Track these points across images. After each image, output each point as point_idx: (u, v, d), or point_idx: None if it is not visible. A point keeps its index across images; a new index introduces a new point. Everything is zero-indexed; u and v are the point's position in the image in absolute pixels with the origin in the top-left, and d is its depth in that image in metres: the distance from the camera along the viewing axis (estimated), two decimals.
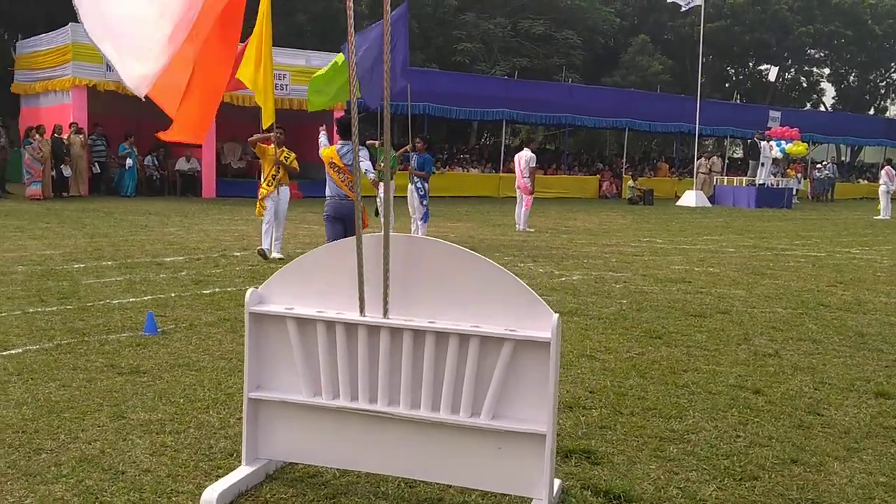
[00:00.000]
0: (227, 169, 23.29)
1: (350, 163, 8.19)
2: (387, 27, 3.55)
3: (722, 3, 41.14)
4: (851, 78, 49.64)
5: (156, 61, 3.15)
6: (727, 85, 48.97)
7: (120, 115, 20.54)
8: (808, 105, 49.69)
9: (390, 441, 3.53)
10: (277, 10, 26.45)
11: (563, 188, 28.94)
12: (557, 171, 30.68)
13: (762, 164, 28.45)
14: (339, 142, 8.61)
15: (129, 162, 20.49)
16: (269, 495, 3.53)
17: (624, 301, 8.34)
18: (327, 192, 8.62)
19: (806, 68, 49.26)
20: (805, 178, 35.03)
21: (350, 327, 3.52)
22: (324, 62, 16.08)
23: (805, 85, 50.35)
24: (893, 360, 6.27)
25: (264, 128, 8.98)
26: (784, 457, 4.15)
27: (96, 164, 20.73)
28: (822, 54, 47.49)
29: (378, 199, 13.04)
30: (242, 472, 3.60)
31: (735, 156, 41.51)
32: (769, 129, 31.00)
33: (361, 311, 3.49)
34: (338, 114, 15.80)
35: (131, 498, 3.43)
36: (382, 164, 12.79)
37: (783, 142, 28.92)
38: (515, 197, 16.41)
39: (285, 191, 10.50)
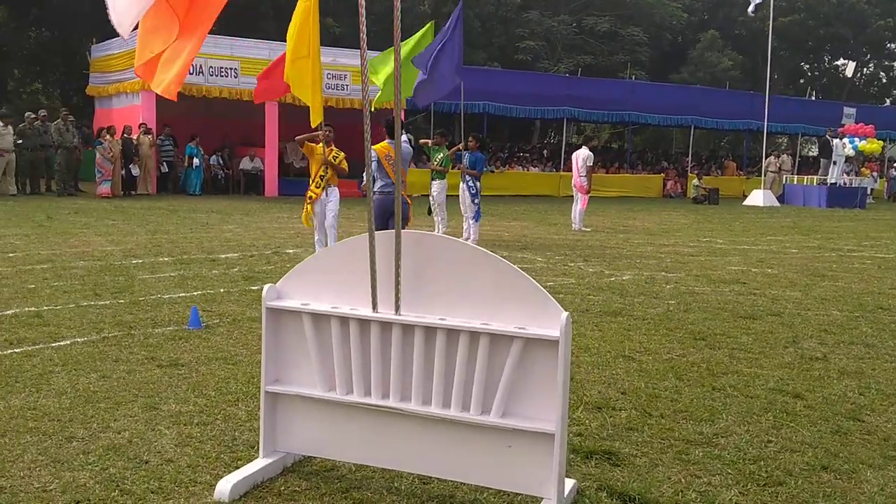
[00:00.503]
0: (290, 168, 23.68)
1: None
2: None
3: None
4: None
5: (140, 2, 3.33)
6: (802, 81, 47.46)
7: (187, 116, 21.12)
8: (888, 101, 47.74)
9: (402, 437, 3.54)
10: (342, 11, 26.76)
11: (624, 187, 28.52)
12: (620, 169, 30.26)
13: (834, 163, 27.48)
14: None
15: (195, 161, 21.08)
16: (283, 487, 3.59)
17: (672, 302, 8.17)
18: (376, 187, 8.81)
19: (886, 63, 47.41)
20: (881, 177, 33.72)
21: (363, 323, 3.55)
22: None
23: (885, 81, 48.48)
24: None
25: (312, 126, 9.05)
26: (815, 463, 4.01)
27: (164, 163, 21.39)
28: None
29: (431, 199, 13.08)
30: (258, 464, 3.67)
31: (810, 154, 40.18)
32: (842, 125, 29.91)
33: (374, 307, 3.52)
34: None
35: (150, 486, 3.52)
36: (435, 163, 12.85)
37: (856, 139, 27.90)
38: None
39: (335, 192, 9.90)
